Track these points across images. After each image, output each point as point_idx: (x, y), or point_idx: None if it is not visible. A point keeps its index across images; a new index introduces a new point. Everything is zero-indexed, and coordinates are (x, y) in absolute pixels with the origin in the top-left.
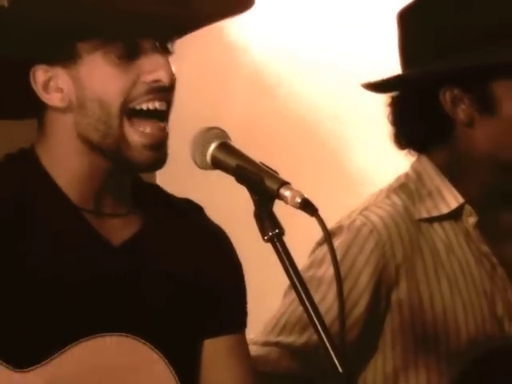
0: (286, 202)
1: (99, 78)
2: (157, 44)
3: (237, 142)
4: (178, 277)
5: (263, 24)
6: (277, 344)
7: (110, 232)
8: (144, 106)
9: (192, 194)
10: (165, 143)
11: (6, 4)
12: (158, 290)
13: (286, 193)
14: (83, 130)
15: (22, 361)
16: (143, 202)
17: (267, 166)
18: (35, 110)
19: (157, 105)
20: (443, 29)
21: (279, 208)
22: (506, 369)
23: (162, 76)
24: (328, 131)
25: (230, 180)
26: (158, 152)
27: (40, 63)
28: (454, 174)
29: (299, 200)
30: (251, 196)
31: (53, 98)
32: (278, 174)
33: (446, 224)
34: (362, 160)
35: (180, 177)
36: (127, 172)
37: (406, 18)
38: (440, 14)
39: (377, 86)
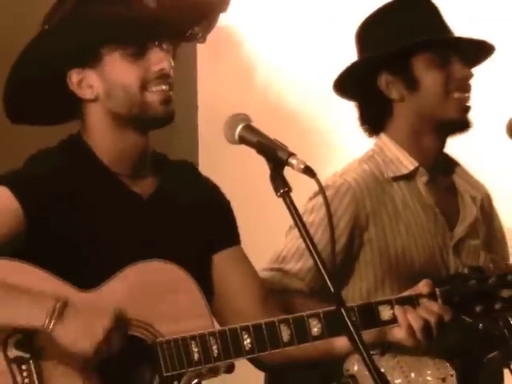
0: (293, 168)
1: (119, 70)
2: (156, 43)
3: (257, 123)
4: (190, 213)
5: (273, 40)
6: (279, 270)
7: (141, 189)
8: (154, 89)
9: (225, 163)
10: (171, 100)
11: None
12: (179, 223)
13: (293, 161)
14: (113, 110)
15: (85, 285)
16: (157, 165)
17: (279, 142)
18: (75, 106)
19: (163, 87)
20: (371, 37)
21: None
22: None
23: (165, 65)
24: (320, 117)
25: (252, 151)
26: (169, 106)
27: (74, 67)
28: (407, 145)
29: (302, 166)
30: (267, 163)
31: (85, 93)
32: (287, 147)
33: (402, 184)
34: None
35: (217, 149)
36: (151, 128)
37: (359, 33)
38: (368, 31)
39: (338, 88)
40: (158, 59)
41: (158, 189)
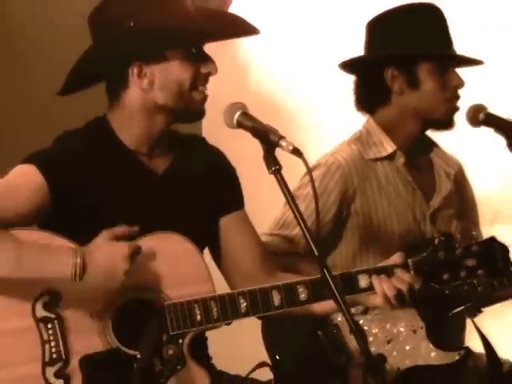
0: (283, 149)
1: (178, 69)
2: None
3: (252, 111)
4: (200, 183)
5: (265, 44)
6: (277, 235)
7: (156, 166)
8: (200, 88)
9: (224, 144)
10: (206, 101)
11: (132, 24)
12: (190, 193)
13: (283, 143)
14: (160, 102)
15: None
16: (171, 142)
17: (271, 126)
18: (117, 92)
19: (206, 88)
20: (387, 34)
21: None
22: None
23: (213, 71)
24: (303, 109)
25: (248, 135)
26: (204, 106)
27: (138, 61)
28: (390, 130)
29: (291, 147)
30: (261, 145)
31: (143, 82)
32: (277, 131)
33: (385, 163)
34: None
35: (217, 133)
36: (183, 122)
37: (370, 26)
38: (385, 27)
39: (344, 65)
40: (210, 63)
41: (172, 164)
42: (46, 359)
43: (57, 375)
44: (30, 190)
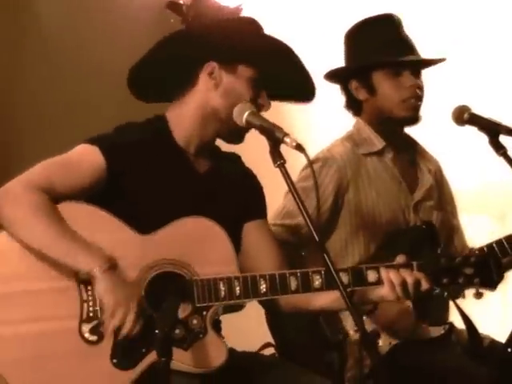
0: (287, 145)
1: (244, 87)
2: None
3: None
4: (233, 189)
5: None
6: (281, 225)
7: (199, 166)
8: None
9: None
10: None
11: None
12: (224, 195)
13: (287, 139)
14: (216, 105)
15: (144, 230)
16: (213, 151)
17: (276, 124)
18: (183, 91)
19: None
20: (347, 49)
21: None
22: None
23: (267, 108)
24: (301, 112)
25: (256, 132)
26: (245, 135)
27: (214, 62)
28: (376, 128)
29: (294, 143)
30: (267, 141)
31: (210, 82)
32: (282, 129)
33: (375, 158)
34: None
35: None
36: (226, 139)
37: (344, 43)
38: (347, 42)
39: (326, 76)
40: (266, 98)
41: (212, 168)
42: (84, 316)
43: (92, 331)
44: (90, 168)
